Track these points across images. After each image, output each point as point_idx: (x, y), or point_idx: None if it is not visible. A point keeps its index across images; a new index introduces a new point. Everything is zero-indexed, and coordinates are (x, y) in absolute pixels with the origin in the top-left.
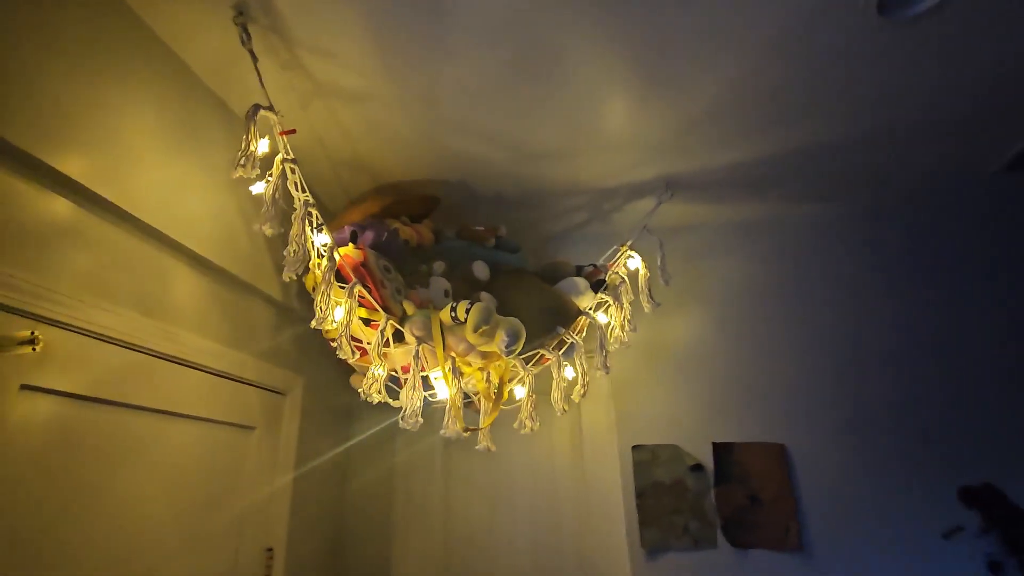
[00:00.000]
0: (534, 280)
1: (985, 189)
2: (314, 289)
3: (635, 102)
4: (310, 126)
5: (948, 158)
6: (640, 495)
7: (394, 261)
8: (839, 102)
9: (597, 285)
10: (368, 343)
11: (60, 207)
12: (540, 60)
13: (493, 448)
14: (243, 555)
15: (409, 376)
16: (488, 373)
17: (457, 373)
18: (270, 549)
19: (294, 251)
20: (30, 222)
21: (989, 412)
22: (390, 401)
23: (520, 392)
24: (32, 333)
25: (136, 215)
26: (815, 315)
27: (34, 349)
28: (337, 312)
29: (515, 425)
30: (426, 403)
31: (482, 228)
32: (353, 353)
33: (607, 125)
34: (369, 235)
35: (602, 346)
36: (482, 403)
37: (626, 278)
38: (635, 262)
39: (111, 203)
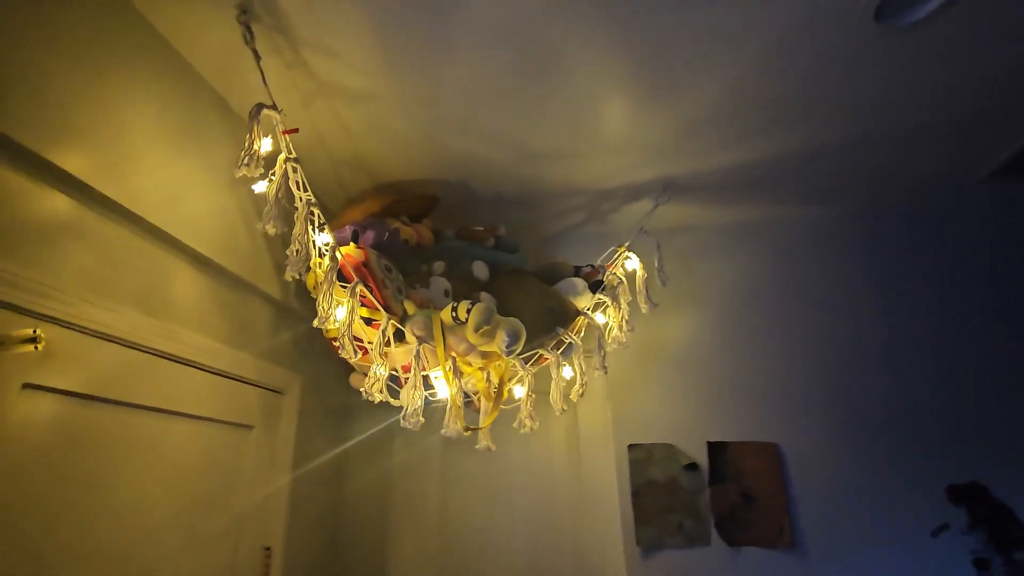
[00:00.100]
0: (533, 280)
1: (978, 193)
2: (314, 288)
3: (634, 105)
4: (311, 125)
5: (942, 162)
6: (636, 493)
7: (395, 261)
8: (835, 107)
9: (595, 286)
10: (369, 342)
11: (62, 205)
12: (541, 62)
13: (493, 447)
14: (241, 554)
15: (410, 375)
16: (488, 373)
17: (458, 373)
18: (268, 548)
19: (297, 250)
20: (32, 220)
21: (977, 413)
22: (391, 400)
23: (519, 392)
24: (34, 331)
25: (138, 213)
26: (809, 316)
27: (36, 348)
28: (339, 311)
29: (514, 424)
30: (425, 403)
31: (481, 228)
32: (355, 352)
33: (606, 127)
34: (370, 235)
35: (600, 346)
36: (482, 402)
37: (624, 279)
38: (633, 263)
39: (113, 201)
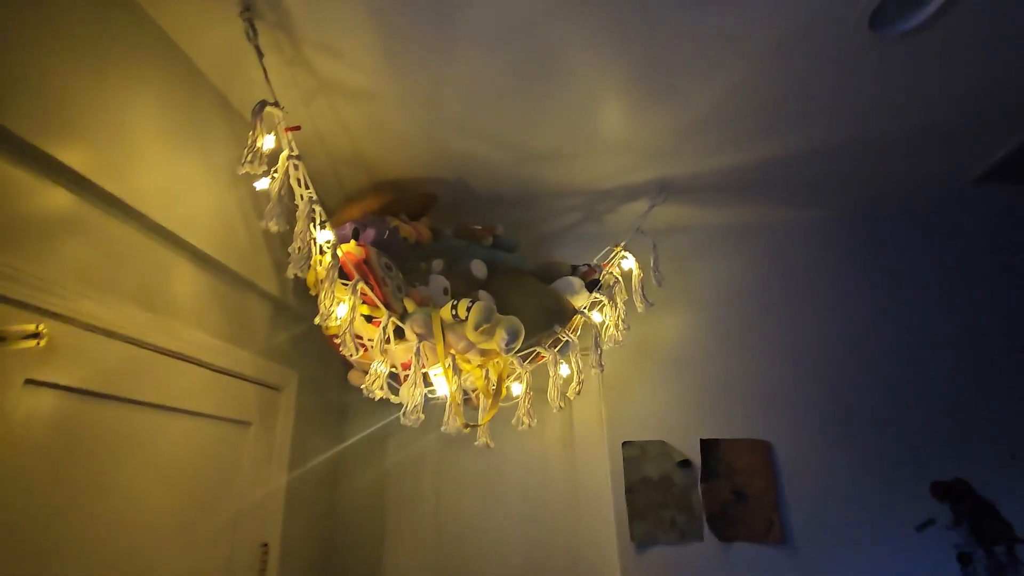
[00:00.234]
0: (531, 279)
1: (969, 195)
2: (314, 286)
3: (633, 107)
4: (312, 122)
5: (934, 165)
6: (629, 490)
7: (394, 259)
8: (829, 112)
9: (592, 285)
10: (369, 340)
11: (63, 200)
12: (541, 64)
13: (492, 444)
14: (239, 550)
15: (410, 372)
16: (487, 370)
17: (457, 370)
18: (265, 544)
19: (299, 248)
20: (33, 214)
21: (963, 412)
22: (391, 397)
23: (517, 389)
24: (37, 327)
25: (139, 209)
26: (801, 317)
27: (38, 343)
28: (340, 309)
29: (512, 422)
30: (424, 400)
31: (480, 227)
32: (357, 350)
33: (605, 128)
34: (370, 232)
35: (597, 344)
36: (481, 400)
37: (620, 278)
38: (629, 262)
39: (114, 196)
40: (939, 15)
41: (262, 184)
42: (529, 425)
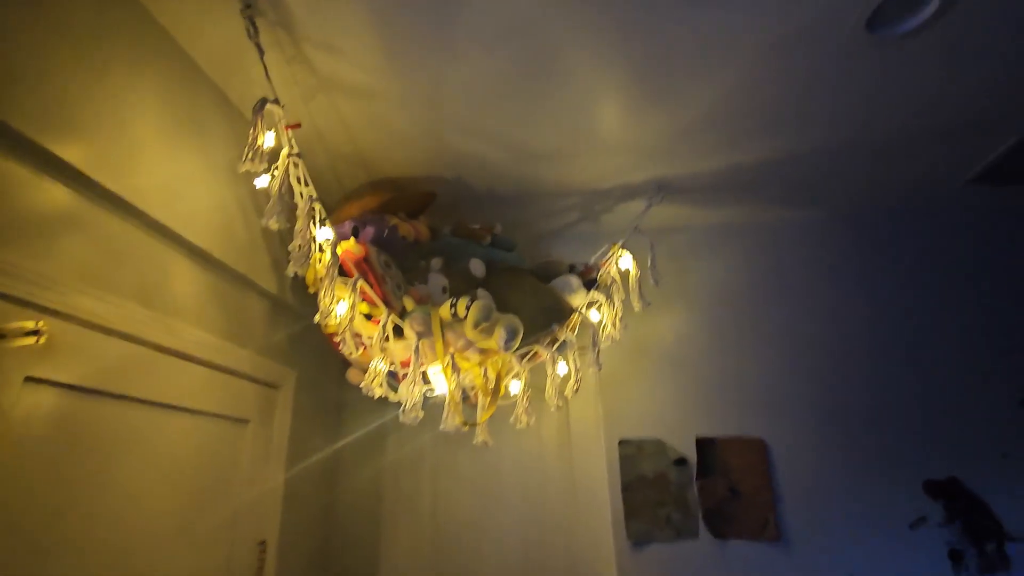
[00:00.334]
0: (530, 278)
1: (959, 196)
2: (313, 283)
3: (631, 108)
4: (311, 120)
5: (926, 166)
6: (626, 488)
7: (393, 257)
8: (825, 113)
9: (589, 284)
10: (369, 338)
11: (63, 197)
12: (541, 64)
13: (491, 442)
14: (237, 548)
15: (409, 371)
16: (486, 369)
17: (456, 368)
18: (263, 542)
19: (299, 246)
20: (32, 211)
21: (955, 411)
22: (390, 395)
23: (515, 387)
24: (36, 324)
25: (138, 206)
26: (796, 316)
27: (38, 341)
28: (340, 307)
29: (511, 420)
30: (423, 398)
31: (478, 226)
32: (357, 348)
33: (603, 129)
34: (370, 231)
35: (595, 343)
36: (479, 398)
37: (617, 277)
38: (626, 261)
39: (113, 193)
40: (937, 17)
41: (262, 182)
42: (527, 423)
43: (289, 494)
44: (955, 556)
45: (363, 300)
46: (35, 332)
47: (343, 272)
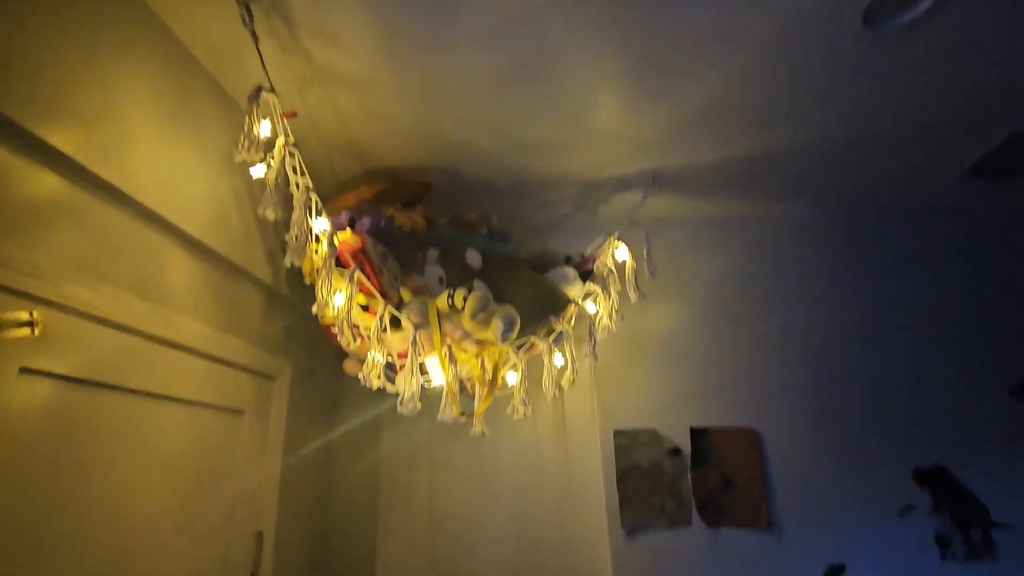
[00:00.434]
0: (526, 269)
1: (952, 191)
2: (310, 274)
3: (627, 100)
4: (306, 109)
5: (920, 161)
6: (620, 478)
7: (390, 247)
8: (820, 108)
9: (585, 275)
10: (366, 329)
11: (57, 186)
12: (538, 55)
13: (488, 433)
14: (234, 539)
15: (407, 361)
16: (483, 359)
17: (453, 359)
18: (260, 533)
19: (296, 236)
20: (26, 200)
21: (943, 401)
22: (388, 386)
23: (512, 378)
24: (31, 315)
25: (132, 195)
26: (788, 308)
27: (33, 331)
28: (337, 298)
29: (508, 410)
30: (420, 389)
31: (474, 217)
32: (354, 339)
33: (600, 122)
34: (366, 221)
35: (592, 334)
36: (476, 389)
37: (614, 269)
38: (622, 253)
39: (107, 182)
40: (932, 12)
41: (258, 171)
42: (524, 414)
43: (285, 485)
44: (942, 542)
45: (360, 291)
46: (30, 323)
47: (340, 263)
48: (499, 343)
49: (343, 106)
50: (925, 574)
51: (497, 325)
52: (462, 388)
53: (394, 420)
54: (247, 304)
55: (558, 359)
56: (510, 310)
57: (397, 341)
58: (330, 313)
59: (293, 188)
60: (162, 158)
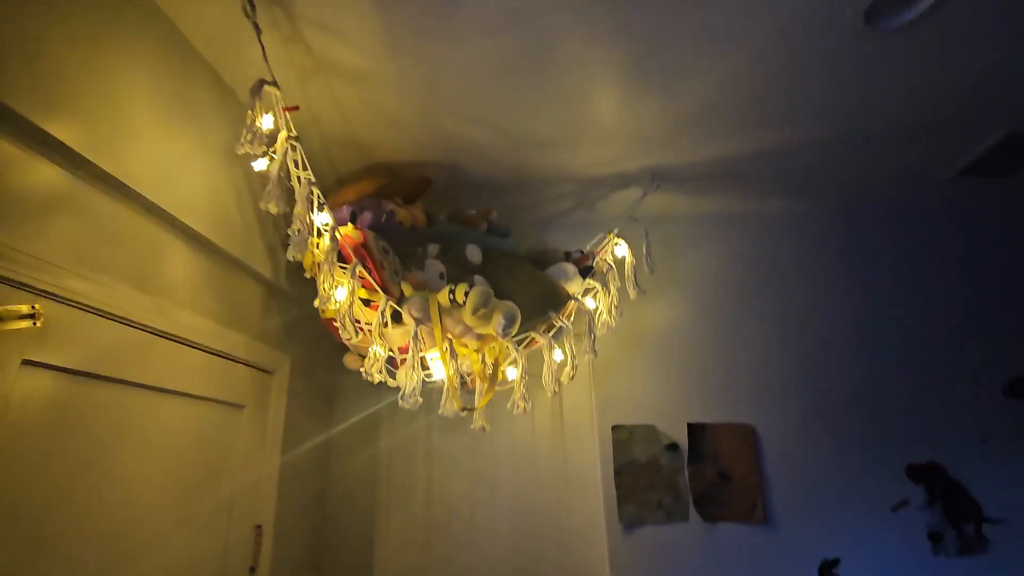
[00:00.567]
0: (526, 265)
1: (947, 188)
2: (311, 268)
3: (628, 97)
4: (307, 102)
5: (916, 159)
6: (618, 473)
7: (390, 242)
8: (820, 105)
9: (585, 271)
10: (367, 323)
11: (58, 178)
12: (540, 51)
13: (488, 428)
14: (233, 532)
15: (408, 356)
16: (483, 354)
17: (454, 354)
18: (259, 526)
19: (299, 230)
20: (27, 192)
21: (937, 398)
22: (389, 381)
23: (512, 373)
24: (33, 307)
25: (133, 187)
26: (785, 305)
27: (35, 324)
28: (339, 292)
29: (508, 405)
30: (421, 384)
31: (474, 212)
32: (356, 333)
33: (600, 118)
34: (367, 216)
35: (591, 330)
36: (477, 383)
37: (613, 265)
38: (622, 250)
39: (108, 174)
40: (934, 9)
41: (259, 165)
42: (524, 409)
43: (284, 479)
44: (935, 537)
45: (362, 286)
46: (32, 315)
47: (341, 257)
48: (500, 338)
49: (343, 99)
50: (917, 568)
51: (498, 320)
52: (462, 383)
53: (393, 414)
54: (246, 298)
55: (558, 355)
56: (511, 306)
57: (398, 336)
58: (332, 307)
59: (294, 182)
60: (162, 150)
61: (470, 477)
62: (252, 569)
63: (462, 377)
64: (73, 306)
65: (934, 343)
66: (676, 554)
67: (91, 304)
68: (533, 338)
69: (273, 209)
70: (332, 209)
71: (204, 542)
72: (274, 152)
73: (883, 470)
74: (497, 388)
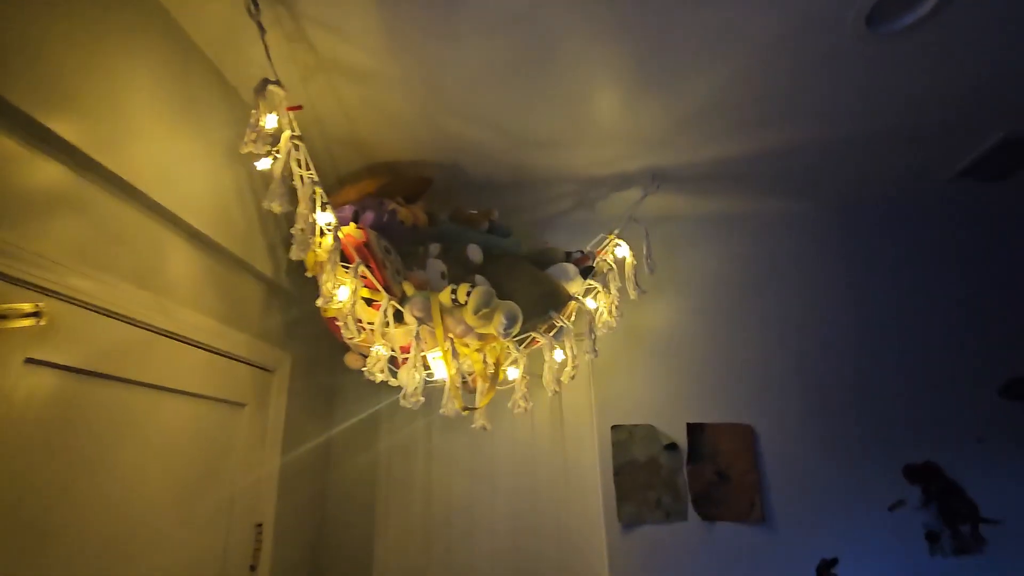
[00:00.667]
0: (527, 265)
1: (946, 190)
2: (313, 267)
3: (628, 97)
4: (309, 101)
5: (914, 161)
6: (617, 472)
7: (392, 242)
8: (820, 107)
9: (586, 271)
10: (370, 323)
11: (60, 175)
12: (541, 51)
13: (489, 427)
14: (234, 530)
15: (410, 356)
16: (485, 354)
17: (455, 354)
18: (259, 524)
19: (302, 229)
20: (31, 191)
21: (934, 399)
22: (390, 380)
23: (513, 373)
24: (36, 306)
25: (135, 185)
26: (784, 306)
27: (38, 322)
28: (342, 292)
29: (509, 405)
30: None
31: (475, 212)
32: (359, 332)
33: (600, 118)
34: (370, 215)
35: (591, 330)
36: (478, 383)
37: (614, 265)
38: (623, 250)
39: (110, 171)
40: (934, 14)
41: (263, 164)
42: (525, 409)
43: (285, 478)
44: (932, 537)
45: (364, 285)
46: (36, 313)
47: (343, 257)
48: (501, 338)
49: (345, 98)
50: (914, 568)
51: (500, 320)
52: (463, 382)
53: (393, 414)
54: (247, 296)
55: (558, 355)
56: (513, 306)
57: (400, 335)
58: (335, 306)
59: (297, 181)
60: (164, 148)
61: (470, 476)
62: (252, 567)
63: (463, 377)
64: (76, 304)
65: (932, 344)
66: (675, 553)
67: (93, 302)
68: (534, 338)
69: (277, 209)
70: (334, 208)
71: (205, 540)
72: (277, 152)
73: (880, 470)
74: (498, 388)
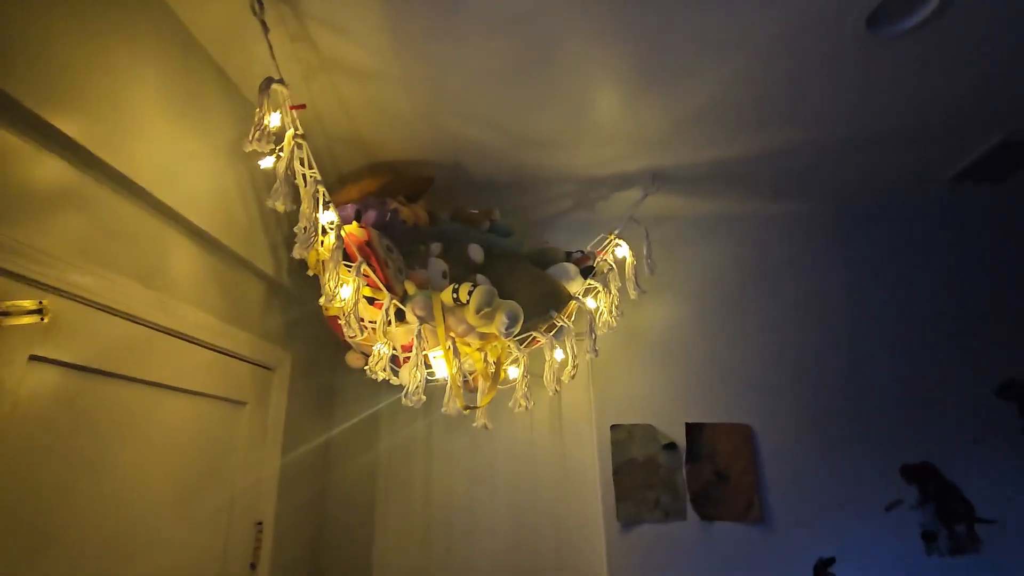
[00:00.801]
0: (528, 265)
1: (942, 193)
2: (315, 266)
3: (629, 98)
4: (311, 100)
5: (911, 163)
6: (616, 472)
7: (394, 241)
8: (820, 109)
9: (586, 271)
10: (371, 322)
11: (64, 172)
12: (543, 52)
13: (490, 426)
14: (234, 529)
15: (412, 354)
16: (486, 353)
17: (456, 353)
18: (260, 523)
19: (305, 228)
20: (35, 187)
21: (932, 398)
22: (392, 379)
23: (514, 372)
24: (40, 303)
25: (138, 183)
26: (782, 306)
27: (42, 319)
28: (344, 290)
29: (510, 404)
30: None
31: (476, 211)
32: (361, 331)
33: (601, 118)
34: (371, 214)
35: (592, 330)
36: (479, 382)
37: (614, 265)
38: (623, 250)
39: (113, 169)
40: (935, 16)
41: (266, 163)
42: (526, 408)
43: (285, 476)
44: (928, 537)
45: (366, 284)
46: (39, 311)
47: (345, 255)
48: (502, 337)
49: (348, 97)
50: (911, 567)
51: (501, 320)
52: (464, 381)
53: (393, 413)
54: (249, 295)
55: (559, 354)
56: (514, 305)
57: (401, 334)
58: (337, 305)
59: (299, 180)
60: (167, 146)
61: (469, 474)
62: (253, 566)
63: (464, 376)
64: (78, 301)
65: (929, 345)
66: (673, 552)
67: (96, 299)
68: (535, 337)
69: (280, 207)
70: (336, 207)
71: (205, 538)
72: (281, 150)
73: (878, 470)
74: (502, 387)
